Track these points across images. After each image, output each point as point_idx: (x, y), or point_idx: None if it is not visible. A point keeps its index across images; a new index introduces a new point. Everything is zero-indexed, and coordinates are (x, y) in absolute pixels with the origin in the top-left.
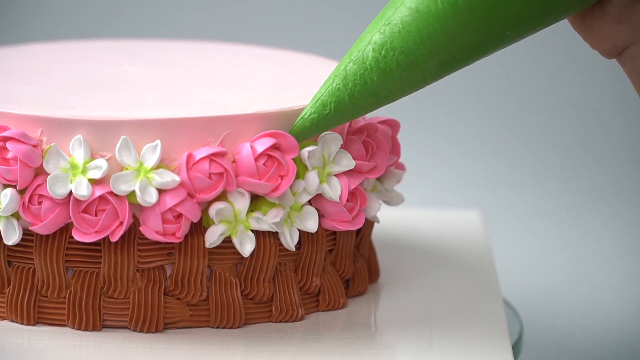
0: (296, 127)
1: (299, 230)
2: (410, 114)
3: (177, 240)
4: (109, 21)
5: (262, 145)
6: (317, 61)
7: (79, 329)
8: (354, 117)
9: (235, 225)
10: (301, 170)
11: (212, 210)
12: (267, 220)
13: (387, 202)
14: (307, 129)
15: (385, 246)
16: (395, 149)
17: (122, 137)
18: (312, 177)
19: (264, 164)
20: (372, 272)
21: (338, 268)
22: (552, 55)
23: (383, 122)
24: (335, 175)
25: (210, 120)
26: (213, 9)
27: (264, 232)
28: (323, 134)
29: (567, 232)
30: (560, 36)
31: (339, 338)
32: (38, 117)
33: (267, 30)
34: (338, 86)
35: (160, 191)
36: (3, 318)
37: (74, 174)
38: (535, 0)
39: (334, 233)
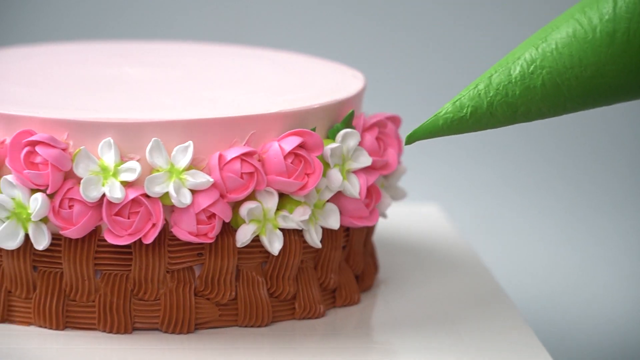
0: (428, 123)
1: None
2: (411, 113)
3: (210, 241)
4: (108, 22)
5: (289, 144)
6: (318, 62)
7: (110, 332)
8: (485, 127)
9: (264, 224)
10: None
11: (244, 209)
12: (295, 219)
13: (392, 198)
14: (438, 128)
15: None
16: (399, 145)
17: (154, 138)
18: (335, 174)
19: (291, 163)
20: (375, 268)
21: (351, 264)
22: None
23: (388, 118)
24: (353, 172)
25: (236, 120)
26: (213, 9)
27: (289, 230)
28: (342, 131)
29: (569, 233)
30: None
31: (354, 335)
32: (64, 120)
33: (268, 30)
34: (479, 92)
35: (192, 192)
36: (29, 323)
37: (105, 176)
38: None
39: (347, 230)
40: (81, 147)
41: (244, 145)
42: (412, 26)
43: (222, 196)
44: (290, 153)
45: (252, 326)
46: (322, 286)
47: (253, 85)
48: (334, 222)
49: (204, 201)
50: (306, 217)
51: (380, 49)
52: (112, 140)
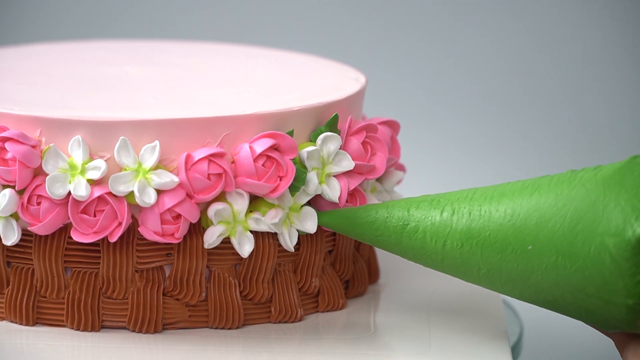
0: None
1: (297, 231)
2: (413, 113)
3: (176, 241)
4: (110, 22)
5: (261, 146)
6: (317, 61)
7: (78, 329)
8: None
9: (234, 226)
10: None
11: (211, 210)
12: (266, 221)
13: None
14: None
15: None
16: (394, 149)
17: (121, 137)
18: (312, 177)
19: (262, 165)
20: (372, 273)
21: (337, 269)
22: (555, 53)
23: (383, 122)
24: (334, 176)
25: (209, 121)
26: (213, 9)
27: (262, 233)
28: (322, 134)
29: None
30: (564, 35)
31: (338, 339)
32: (37, 117)
33: (267, 30)
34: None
35: (159, 192)
36: (2, 318)
37: (72, 174)
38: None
39: (334, 234)
40: (50, 145)
41: (217, 146)
42: (419, 28)
43: (189, 197)
44: (261, 155)
45: (222, 328)
46: (302, 290)
47: (246, 85)
48: (310, 226)
49: (169, 201)
50: (276, 220)
51: (389, 51)
52: (80, 138)
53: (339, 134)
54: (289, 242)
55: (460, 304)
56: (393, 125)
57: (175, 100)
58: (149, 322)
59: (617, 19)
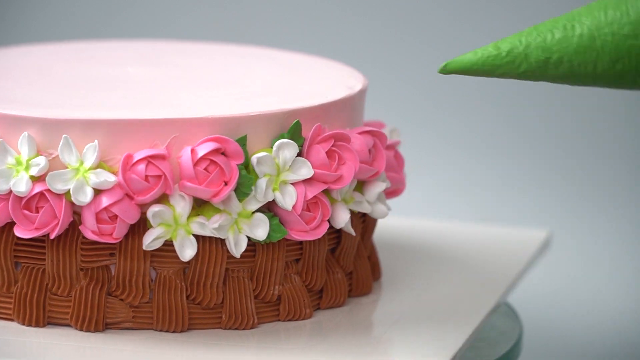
0: (465, 55)
1: (248, 237)
2: (413, 114)
3: (114, 241)
4: (108, 22)
5: (203, 149)
6: (317, 61)
7: (24, 324)
8: (518, 71)
9: (176, 229)
10: (254, 176)
11: (149, 212)
12: (209, 226)
13: (369, 214)
14: (473, 62)
15: (392, 254)
16: (378, 160)
17: (64, 136)
18: (260, 184)
19: (205, 169)
20: (374, 272)
21: (304, 278)
22: None
23: (364, 132)
24: (292, 183)
25: (155, 123)
26: (213, 9)
27: (210, 238)
28: (278, 141)
29: (568, 232)
30: None
31: (333, 340)
32: None
33: (268, 30)
34: (521, 34)
35: (99, 191)
36: None
37: (17, 170)
38: None
39: (301, 242)
40: None
41: (164, 148)
42: (420, 29)
43: (129, 197)
44: (204, 159)
45: (166, 331)
46: (259, 297)
47: (234, 87)
48: (261, 233)
49: (106, 200)
50: (216, 225)
51: (389, 52)
52: (27, 134)
53: (303, 141)
54: (234, 248)
55: (457, 306)
56: (377, 136)
57: (137, 101)
58: (90, 321)
59: None
